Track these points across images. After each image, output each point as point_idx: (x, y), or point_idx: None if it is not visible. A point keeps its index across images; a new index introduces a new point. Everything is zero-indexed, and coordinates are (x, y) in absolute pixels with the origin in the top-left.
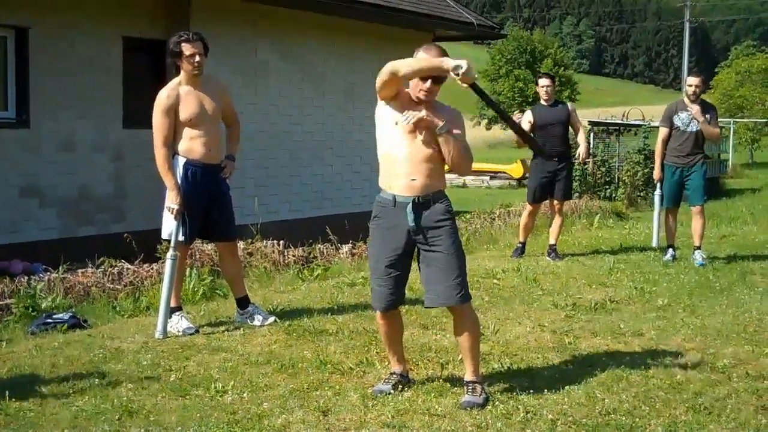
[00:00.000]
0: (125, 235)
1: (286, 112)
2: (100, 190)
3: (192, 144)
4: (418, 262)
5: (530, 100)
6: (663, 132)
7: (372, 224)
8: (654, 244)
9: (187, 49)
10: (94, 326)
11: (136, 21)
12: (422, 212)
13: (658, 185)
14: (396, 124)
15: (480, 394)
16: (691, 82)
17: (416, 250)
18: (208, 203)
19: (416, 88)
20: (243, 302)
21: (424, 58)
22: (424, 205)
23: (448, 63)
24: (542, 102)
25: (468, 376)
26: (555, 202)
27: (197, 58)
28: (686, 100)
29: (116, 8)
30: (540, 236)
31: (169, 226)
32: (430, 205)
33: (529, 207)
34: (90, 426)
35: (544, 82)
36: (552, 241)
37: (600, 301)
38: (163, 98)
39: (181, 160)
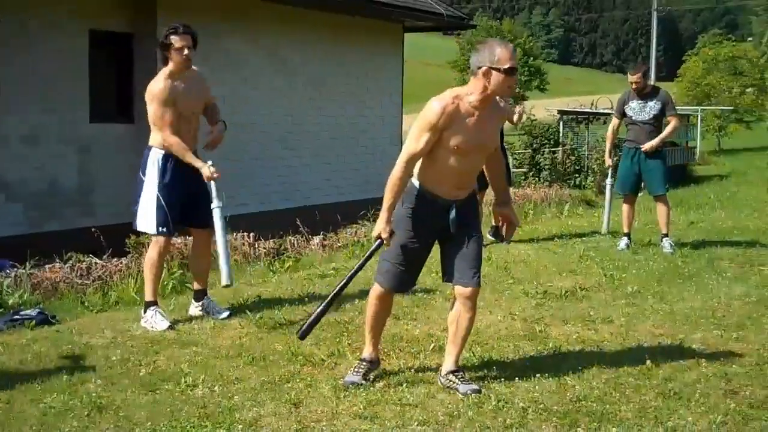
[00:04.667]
0: (93, 229)
1: (255, 103)
2: (67, 184)
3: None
4: (443, 246)
5: None
6: (614, 122)
7: (403, 209)
8: (604, 229)
9: (176, 41)
10: (63, 322)
11: (102, 14)
12: (459, 210)
13: (609, 173)
14: (456, 148)
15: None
16: (631, 79)
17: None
18: (189, 191)
19: (504, 85)
20: (201, 294)
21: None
22: (462, 202)
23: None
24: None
25: (453, 365)
26: None
27: (186, 51)
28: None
29: (82, 1)
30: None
31: (148, 216)
32: (465, 202)
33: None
34: (59, 423)
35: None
36: (494, 223)
37: (570, 289)
38: (160, 89)
39: (157, 152)
